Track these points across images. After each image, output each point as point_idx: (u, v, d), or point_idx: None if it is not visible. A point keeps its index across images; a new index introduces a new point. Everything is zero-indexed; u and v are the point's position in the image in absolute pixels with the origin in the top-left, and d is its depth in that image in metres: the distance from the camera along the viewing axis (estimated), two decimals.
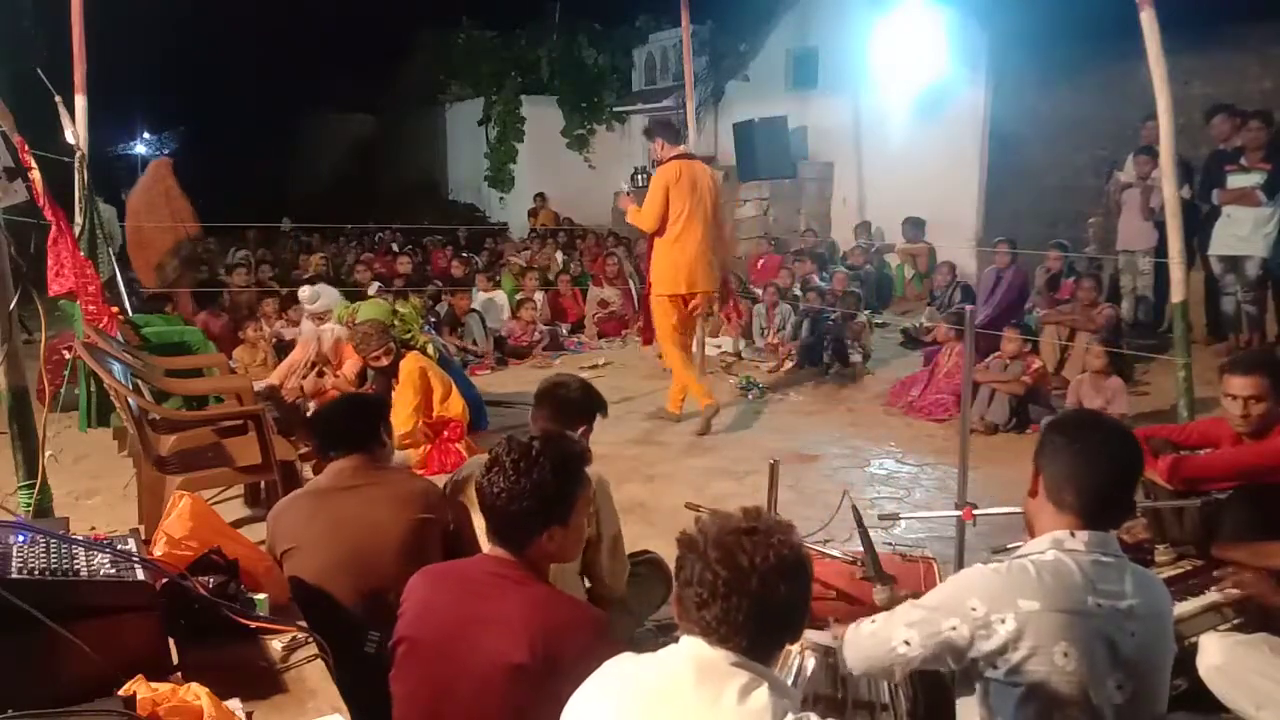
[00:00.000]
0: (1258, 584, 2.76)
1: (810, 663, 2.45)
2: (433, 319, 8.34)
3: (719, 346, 8.88)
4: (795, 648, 2.49)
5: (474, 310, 9.09)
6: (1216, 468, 3.21)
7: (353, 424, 2.83)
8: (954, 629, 1.88)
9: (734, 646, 1.55)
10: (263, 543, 2.67)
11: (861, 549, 3.21)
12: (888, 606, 2.97)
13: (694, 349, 8.39)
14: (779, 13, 12.27)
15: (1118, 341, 6.88)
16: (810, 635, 2.54)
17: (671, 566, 1.68)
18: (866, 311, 8.52)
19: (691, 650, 1.57)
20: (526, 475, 1.98)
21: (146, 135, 28.18)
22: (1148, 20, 4.39)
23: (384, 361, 5.43)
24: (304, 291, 6.46)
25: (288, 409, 5.54)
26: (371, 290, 9.45)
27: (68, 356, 5.49)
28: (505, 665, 1.89)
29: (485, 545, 2.17)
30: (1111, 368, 6.26)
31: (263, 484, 4.43)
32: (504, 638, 1.91)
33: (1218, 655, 2.47)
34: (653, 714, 1.54)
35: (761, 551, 1.55)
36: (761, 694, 1.51)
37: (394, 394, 5.34)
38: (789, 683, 2.40)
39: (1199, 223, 7.08)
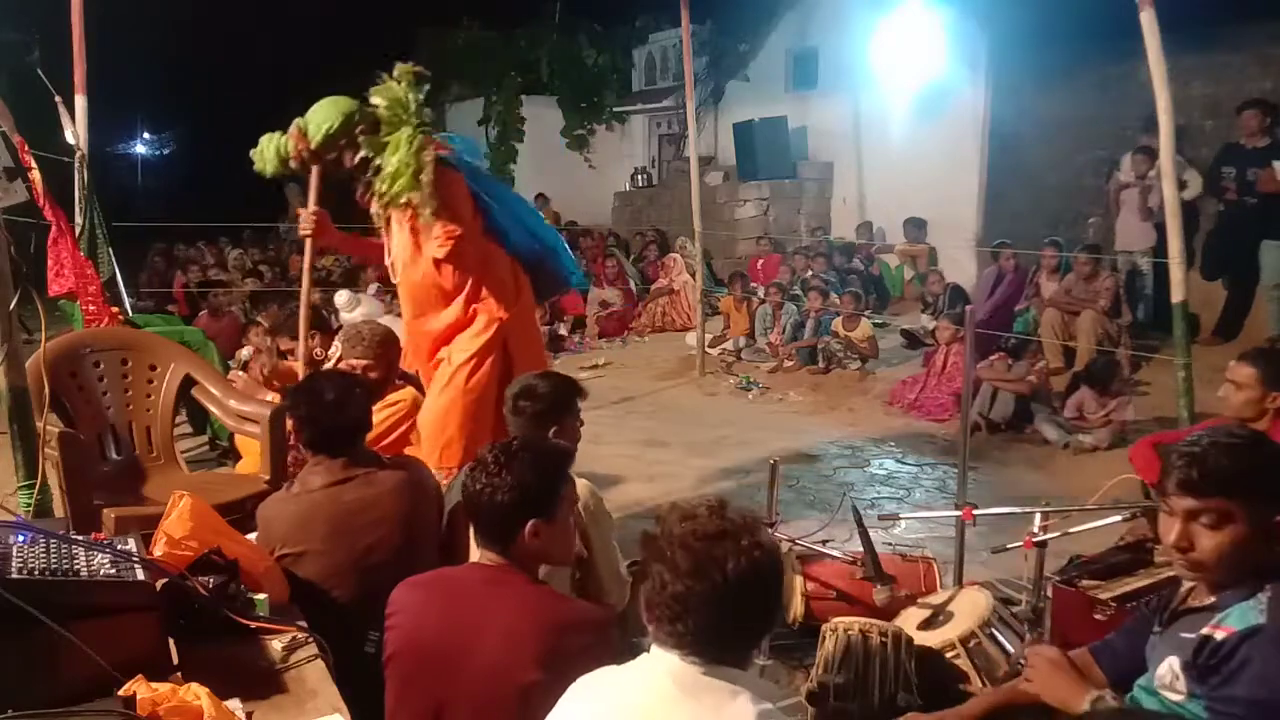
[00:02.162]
0: None
1: (830, 644, 2.45)
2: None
3: (721, 346, 8.91)
4: (826, 628, 2.50)
5: None
6: None
7: (340, 427, 2.69)
8: None
9: (709, 657, 1.50)
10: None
11: (861, 549, 3.22)
12: (888, 606, 2.99)
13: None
14: (779, 13, 12.26)
15: (1119, 314, 6.98)
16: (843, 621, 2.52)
17: None
18: (867, 312, 8.52)
19: (664, 664, 1.52)
20: (508, 468, 1.99)
21: (146, 135, 28.21)
22: (1148, 20, 4.39)
23: (372, 375, 3.70)
24: (340, 297, 5.97)
25: None
26: (371, 290, 9.45)
27: None
28: (513, 684, 1.87)
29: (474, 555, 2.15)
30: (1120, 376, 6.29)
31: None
32: (507, 645, 1.90)
33: None
34: None
35: (734, 559, 1.47)
36: (740, 705, 1.47)
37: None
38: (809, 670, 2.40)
39: (1247, 230, 7.08)
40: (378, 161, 3.48)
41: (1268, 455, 1.80)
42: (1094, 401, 6.12)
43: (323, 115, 3.45)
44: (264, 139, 3.53)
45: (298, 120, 3.47)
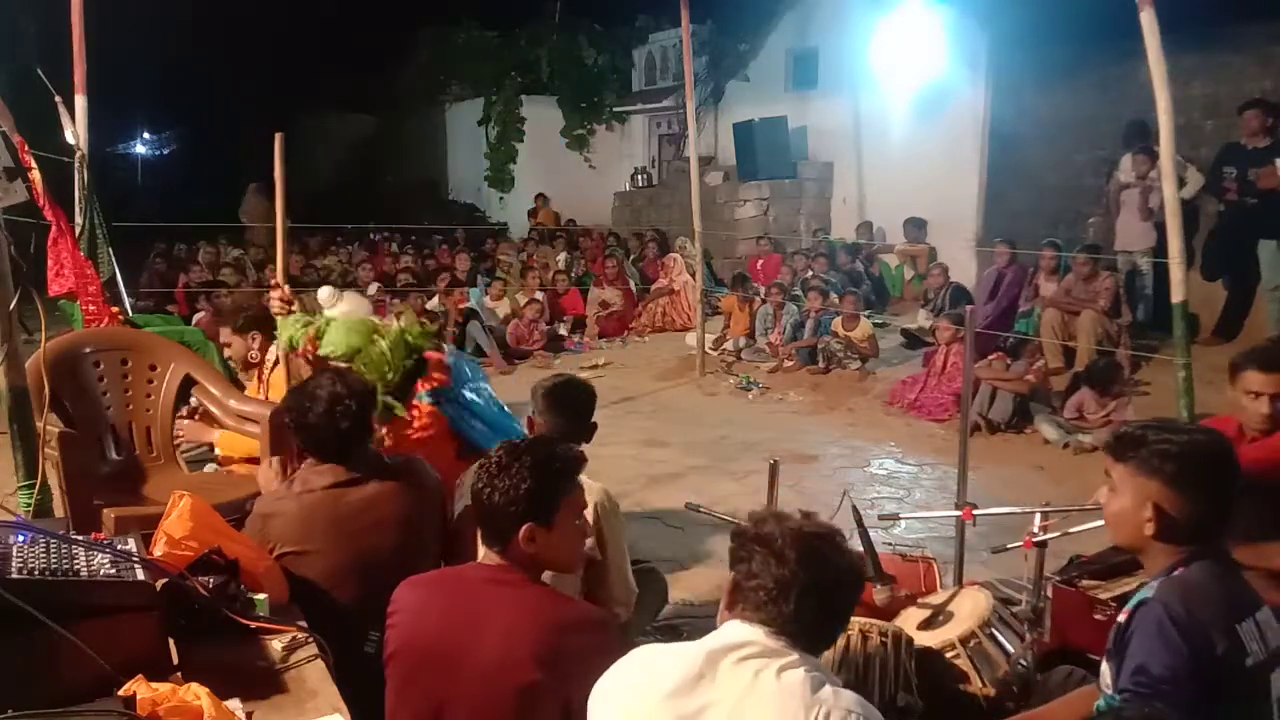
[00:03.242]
0: None
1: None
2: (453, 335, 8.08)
3: (721, 346, 8.90)
4: None
5: (471, 309, 9.09)
6: None
7: (341, 433, 2.63)
8: None
9: (797, 644, 1.59)
10: None
11: (861, 549, 3.22)
12: (888, 606, 2.98)
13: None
14: (779, 13, 12.26)
15: (1118, 314, 6.96)
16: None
17: (666, 576, 1.67)
18: (867, 312, 8.52)
19: (747, 634, 1.59)
20: (507, 470, 1.98)
21: (146, 135, 28.22)
22: (1148, 20, 4.39)
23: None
24: (322, 293, 5.84)
25: None
26: (371, 290, 9.43)
27: None
28: (512, 683, 1.88)
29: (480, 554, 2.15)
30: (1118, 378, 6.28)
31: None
32: (507, 644, 1.90)
33: None
34: (689, 695, 1.57)
35: (837, 558, 1.62)
36: (798, 672, 1.55)
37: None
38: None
39: (1248, 230, 7.08)
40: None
41: (1181, 446, 1.85)
42: (1094, 402, 6.12)
43: (335, 337, 3.62)
44: (289, 320, 3.77)
45: (319, 323, 3.67)
